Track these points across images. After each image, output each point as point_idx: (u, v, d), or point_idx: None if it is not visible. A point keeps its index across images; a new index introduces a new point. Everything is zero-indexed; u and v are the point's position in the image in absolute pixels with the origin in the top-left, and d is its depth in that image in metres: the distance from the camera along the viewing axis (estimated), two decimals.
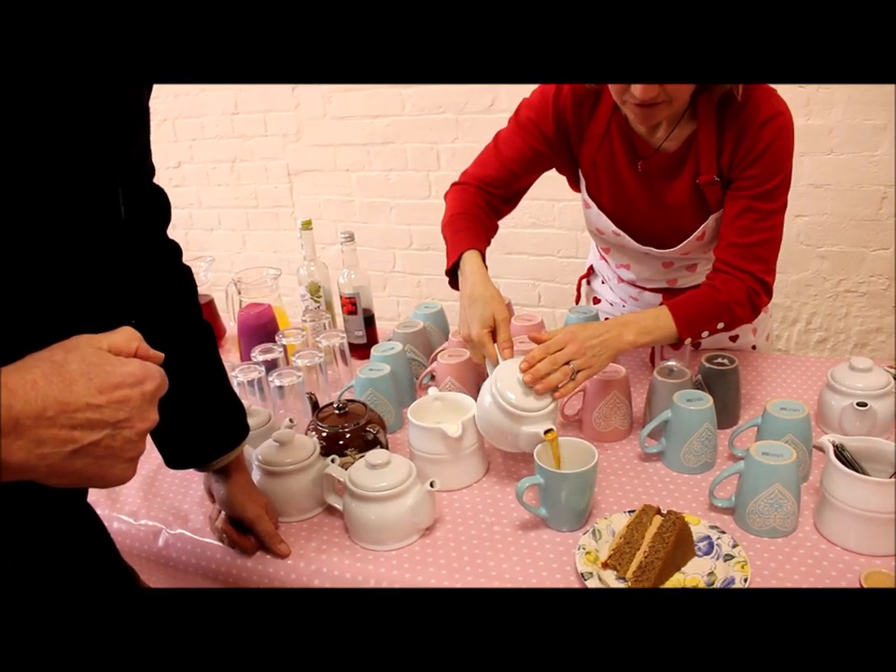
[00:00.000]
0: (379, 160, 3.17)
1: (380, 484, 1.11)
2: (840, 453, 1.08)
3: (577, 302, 1.90)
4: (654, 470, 1.27)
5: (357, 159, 3.20)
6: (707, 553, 1.06)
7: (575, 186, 1.59)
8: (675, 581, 1.03)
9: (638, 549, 1.05)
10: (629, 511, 1.12)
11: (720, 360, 1.37)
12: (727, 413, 1.36)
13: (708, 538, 1.08)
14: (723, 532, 1.08)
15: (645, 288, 1.67)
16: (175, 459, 1.11)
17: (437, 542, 1.14)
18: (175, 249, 1.06)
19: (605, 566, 1.05)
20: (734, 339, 1.67)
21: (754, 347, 1.69)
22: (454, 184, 1.58)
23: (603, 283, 1.81)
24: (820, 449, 1.11)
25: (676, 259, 1.55)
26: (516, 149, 1.49)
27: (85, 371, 0.62)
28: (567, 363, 1.22)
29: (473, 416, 1.24)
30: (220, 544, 1.18)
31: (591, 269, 1.85)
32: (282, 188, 3.42)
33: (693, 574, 1.04)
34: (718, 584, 1.00)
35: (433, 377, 1.48)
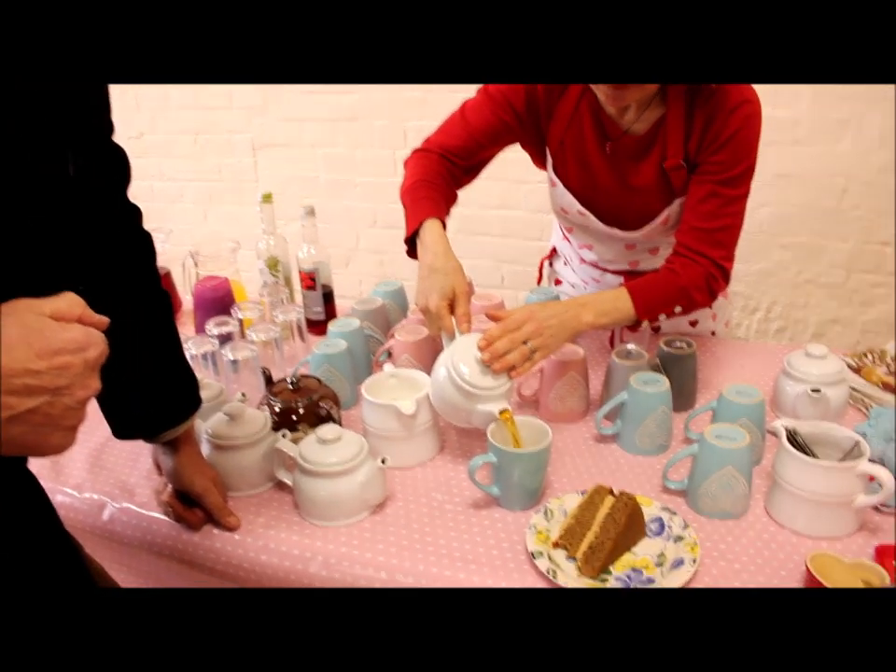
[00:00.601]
0: (345, 136, 3.13)
1: (330, 460, 1.09)
2: (792, 437, 1.08)
3: (538, 283, 1.89)
4: (609, 452, 1.27)
5: (323, 135, 3.16)
6: (658, 534, 1.06)
7: (540, 163, 1.57)
8: (625, 562, 1.02)
9: (589, 529, 1.04)
10: (582, 492, 1.11)
11: (678, 344, 1.37)
12: (683, 397, 1.36)
13: (660, 519, 1.08)
14: (675, 513, 1.07)
15: (607, 270, 1.66)
16: (123, 429, 1.08)
17: (387, 520, 1.13)
18: (134, 212, 1.02)
19: (555, 545, 1.04)
20: (693, 324, 1.67)
21: (713, 333, 1.69)
22: (415, 150, 1.54)
23: (565, 264, 1.80)
24: (774, 433, 1.11)
25: (639, 241, 1.55)
26: (484, 120, 1.46)
27: (24, 335, 0.60)
28: (525, 342, 1.21)
29: (428, 394, 1.23)
30: (167, 518, 1.15)
31: (553, 250, 1.85)
32: (246, 162, 3.37)
33: (643, 555, 1.03)
34: (667, 565, 1.00)
35: (390, 354, 1.46)
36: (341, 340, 1.42)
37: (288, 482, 1.16)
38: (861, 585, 0.92)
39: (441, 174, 1.47)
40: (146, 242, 1.04)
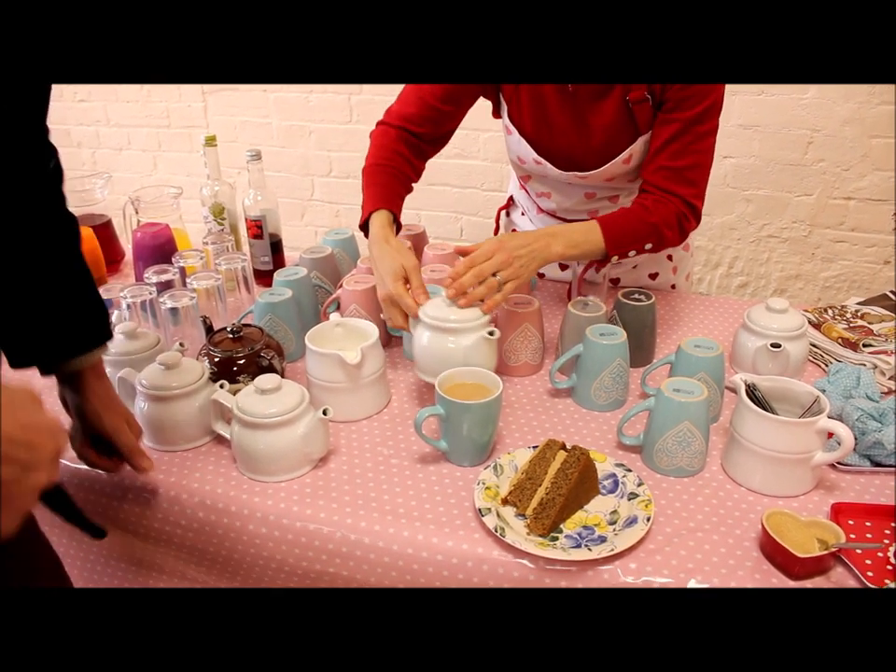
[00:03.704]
0: None
1: (269, 411, 1.03)
2: (752, 392, 1.04)
3: (495, 234, 1.83)
4: (564, 407, 1.23)
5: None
6: (612, 492, 1.03)
7: (497, 113, 1.51)
8: (576, 520, 0.99)
9: (540, 485, 1.00)
10: (534, 447, 1.07)
11: (636, 297, 1.32)
12: (642, 352, 1.32)
13: (614, 475, 1.04)
14: (629, 470, 1.04)
15: (565, 220, 1.61)
16: (19, 355, 0.98)
17: (330, 475, 1.08)
18: (41, 132, 0.93)
19: (504, 502, 1.00)
20: (653, 276, 1.63)
21: (674, 287, 1.65)
22: (378, 122, 1.47)
23: (522, 214, 1.74)
24: (732, 389, 1.08)
25: (598, 188, 1.50)
26: (442, 86, 1.39)
27: (9, 405, 0.62)
28: (494, 275, 1.16)
29: (375, 343, 1.17)
30: (87, 471, 1.09)
31: (510, 199, 1.79)
32: (196, 106, 3.24)
33: (595, 512, 1.00)
34: (620, 523, 0.97)
35: (338, 305, 1.40)
36: (286, 288, 1.35)
37: (226, 434, 1.11)
38: (815, 544, 0.89)
39: (398, 152, 1.42)
40: (45, 159, 0.94)
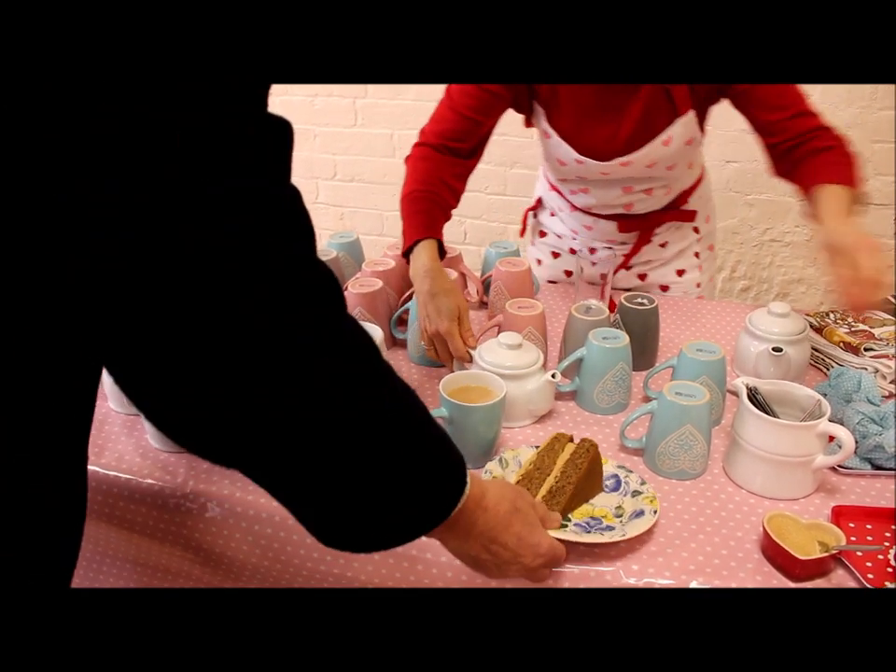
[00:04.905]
0: (303, 84, 3.03)
1: None
2: (753, 395, 1.05)
3: (521, 235, 1.85)
4: (567, 409, 1.23)
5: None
6: (615, 490, 1.04)
7: (530, 122, 1.54)
8: (583, 512, 1.00)
9: (549, 474, 1.01)
10: (536, 447, 1.08)
11: (639, 300, 1.33)
12: (645, 355, 1.33)
13: (616, 476, 1.05)
14: (631, 471, 1.05)
15: (600, 216, 1.63)
16: None
17: None
18: None
19: None
20: (680, 273, 1.66)
21: (699, 285, 1.68)
22: (415, 144, 1.48)
23: (552, 215, 1.75)
24: (734, 392, 1.09)
25: (637, 180, 1.52)
26: (471, 97, 1.41)
27: (519, 528, 0.79)
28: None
29: (379, 345, 1.18)
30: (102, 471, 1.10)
31: (539, 201, 1.79)
32: None
33: (601, 506, 1.01)
34: (626, 518, 0.97)
35: None
36: None
37: None
38: (816, 546, 0.90)
39: (441, 178, 1.42)
40: None
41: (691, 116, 1.40)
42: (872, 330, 1.37)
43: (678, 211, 1.63)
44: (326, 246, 1.63)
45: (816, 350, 1.35)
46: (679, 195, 1.61)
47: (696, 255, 1.67)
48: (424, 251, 1.32)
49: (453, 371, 1.21)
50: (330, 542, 0.69)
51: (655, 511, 0.96)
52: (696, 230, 1.66)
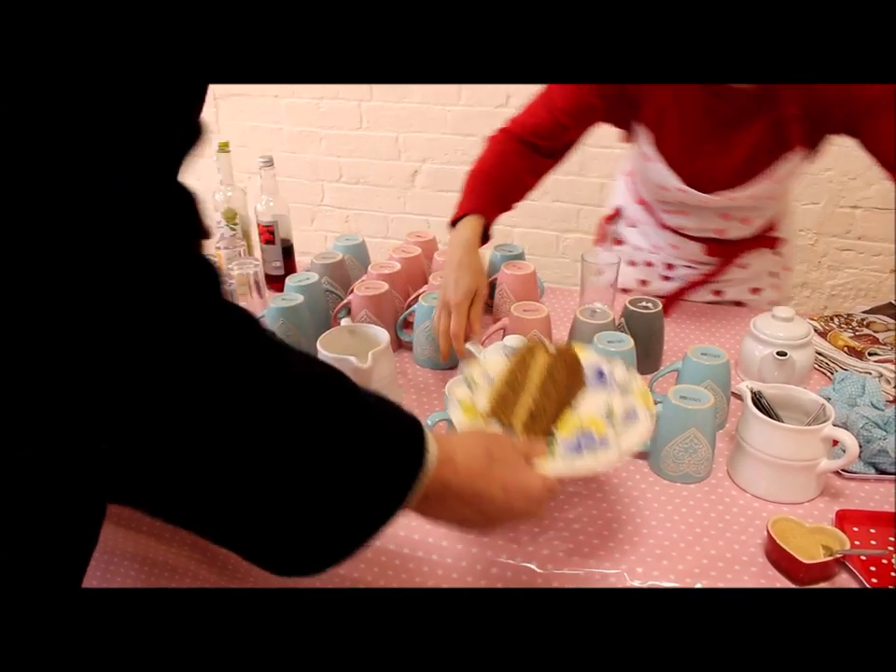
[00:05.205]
0: (309, 86, 3.03)
1: None
2: (757, 399, 1.06)
3: (596, 243, 1.82)
4: None
5: (287, 85, 3.07)
6: (600, 385, 0.99)
7: (629, 138, 1.52)
8: (570, 424, 0.93)
9: (525, 393, 0.92)
10: (507, 352, 1.01)
11: (644, 304, 1.34)
12: (650, 359, 1.33)
13: (598, 369, 1.01)
14: (613, 358, 1.04)
15: (689, 237, 1.59)
16: None
17: None
18: None
19: (490, 415, 0.93)
20: (755, 291, 1.64)
21: (772, 303, 1.64)
22: (500, 129, 1.48)
23: (632, 226, 1.71)
24: (738, 396, 1.09)
25: (737, 208, 1.49)
26: (568, 100, 1.41)
27: (501, 476, 0.73)
28: None
29: (386, 348, 1.19)
30: None
31: (617, 211, 1.75)
32: (207, 112, 3.24)
33: (589, 411, 0.95)
34: (618, 422, 0.92)
35: (349, 311, 1.41)
36: (298, 294, 1.37)
37: None
38: (820, 550, 0.91)
39: (513, 167, 1.43)
40: None
41: (802, 151, 1.38)
42: (876, 335, 1.37)
43: (768, 238, 1.61)
44: (332, 249, 1.63)
45: (820, 354, 1.35)
46: (772, 222, 1.60)
47: (774, 275, 1.65)
48: (469, 224, 1.34)
49: (445, 362, 1.21)
50: (291, 568, 0.62)
51: (649, 412, 0.91)
52: (778, 252, 1.64)
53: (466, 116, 2.79)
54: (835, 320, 1.44)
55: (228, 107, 3.22)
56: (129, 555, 1.16)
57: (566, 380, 0.94)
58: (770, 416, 1.02)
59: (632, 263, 1.71)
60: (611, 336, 1.22)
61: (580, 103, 1.40)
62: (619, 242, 1.76)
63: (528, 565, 0.94)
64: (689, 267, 1.63)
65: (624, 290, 1.71)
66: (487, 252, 1.93)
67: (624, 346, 1.19)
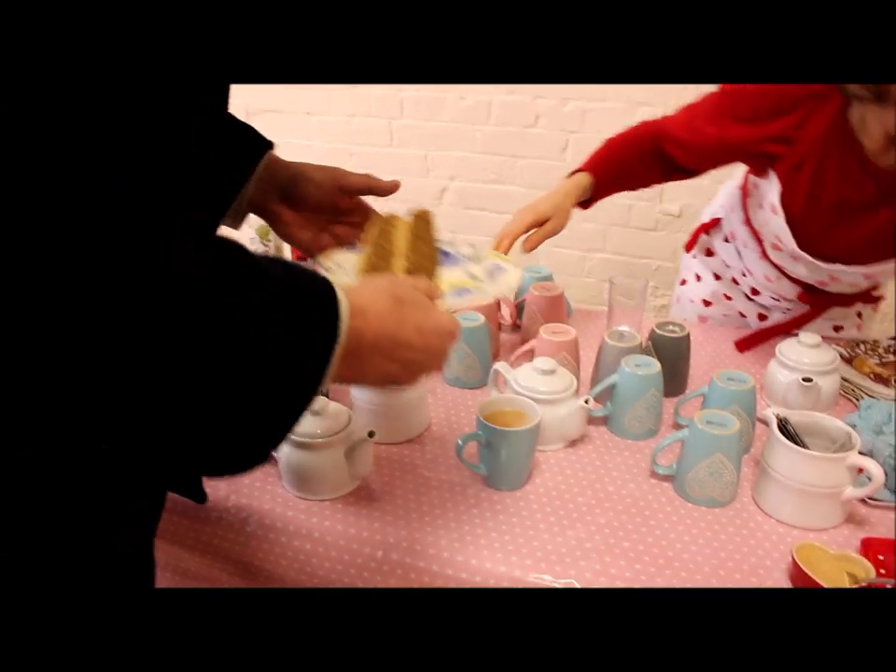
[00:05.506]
0: (340, 104, 3.08)
1: (317, 431, 1.08)
2: (783, 426, 1.07)
3: (687, 250, 1.77)
4: (598, 434, 1.26)
5: (319, 102, 3.11)
6: (452, 264, 0.98)
7: (757, 172, 1.46)
8: (446, 284, 0.92)
9: (396, 256, 0.91)
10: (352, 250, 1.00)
11: (671, 328, 1.36)
12: (675, 382, 1.35)
13: (443, 250, 1.00)
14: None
15: (789, 277, 1.53)
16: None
17: (372, 495, 1.11)
18: None
19: None
20: (837, 329, 1.61)
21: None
22: (644, 122, 1.53)
23: (727, 241, 1.67)
24: (764, 422, 1.10)
25: (848, 273, 1.43)
26: (704, 135, 1.40)
27: (413, 318, 0.71)
28: None
29: None
30: None
31: (715, 222, 1.70)
32: None
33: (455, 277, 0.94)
34: (484, 276, 0.94)
35: None
36: None
37: (273, 453, 1.15)
38: (845, 577, 0.92)
39: (639, 157, 1.49)
40: None
41: None
42: None
43: (867, 296, 1.58)
44: None
45: (846, 381, 1.36)
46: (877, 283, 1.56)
47: (859, 315, 1.62)
48: (577, 178, 1.45)
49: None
50: (241, 455, 0.63)
51: (512, 264, 0.94)
52: (875, 308, 1.63)
53: (495, 135, 2.82)
54: (861, 346, 1.44)
55: (260, 124, 3.21)
56: (160, 565, 1.19)
57: (431, 238, 0.95)
58: (796, 443, 1.04)
59: (717, 277, 1.70)
60: (639, 360, 1.23)
61: (713, 142, 1.39)
62: (710, 253, 1.72)
63: (558, 584, 0.96)
64: (775, 300, 1.61)
65: (706, 302, 1.72)
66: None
67: (652, 370, 1.21)
